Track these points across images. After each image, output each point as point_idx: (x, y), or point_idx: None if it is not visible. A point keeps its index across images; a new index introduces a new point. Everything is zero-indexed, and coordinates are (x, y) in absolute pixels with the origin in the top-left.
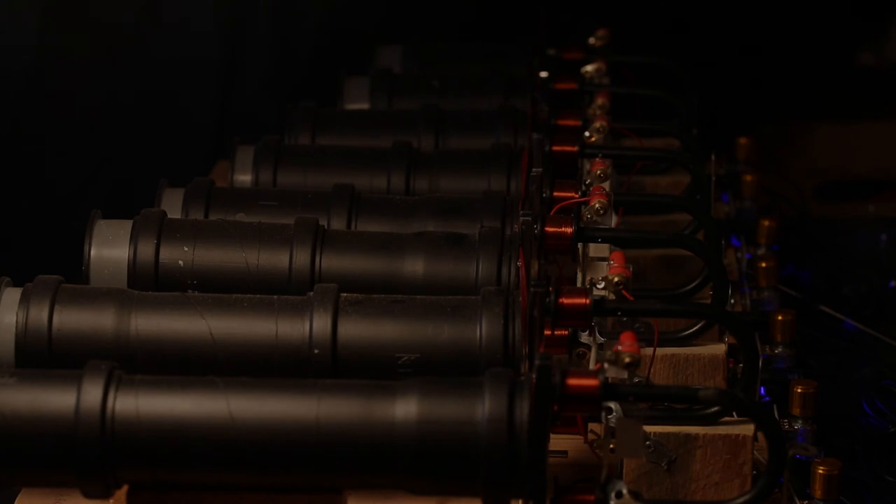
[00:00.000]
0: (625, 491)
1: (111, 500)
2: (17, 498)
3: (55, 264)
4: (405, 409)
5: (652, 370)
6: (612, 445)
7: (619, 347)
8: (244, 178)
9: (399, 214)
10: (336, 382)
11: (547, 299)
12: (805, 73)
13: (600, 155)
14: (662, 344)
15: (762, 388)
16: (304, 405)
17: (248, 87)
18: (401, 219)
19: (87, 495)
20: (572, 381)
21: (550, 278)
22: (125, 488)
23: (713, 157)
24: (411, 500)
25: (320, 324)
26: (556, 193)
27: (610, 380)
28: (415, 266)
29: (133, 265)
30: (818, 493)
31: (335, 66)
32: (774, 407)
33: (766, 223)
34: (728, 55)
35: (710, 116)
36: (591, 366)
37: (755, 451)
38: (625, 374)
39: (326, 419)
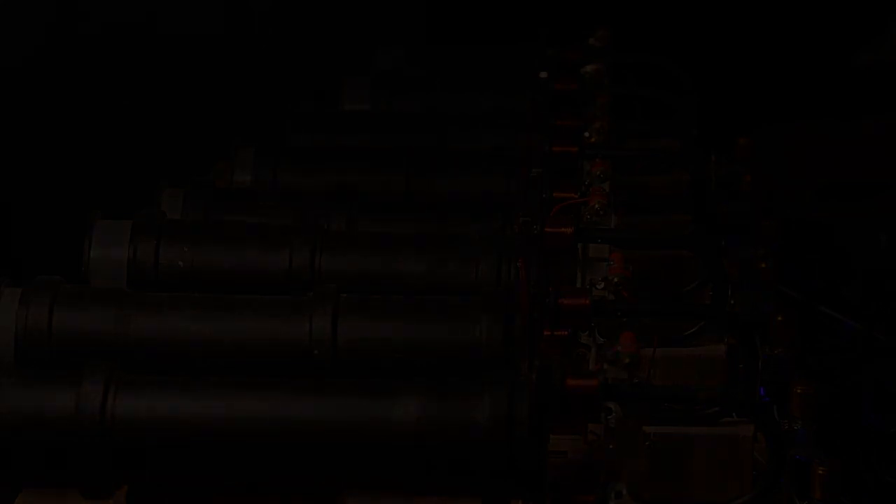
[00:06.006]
0: (625, 491)
1: (111, 500)
2: (17, 498)
3: (55, 264)
4: (405, 409)
5: (652, 370)
6: (612, 445)
7: (619, 348)
8: (244, 178)
9: (399, 215)
10: (336, 382)
11: (547, 300)
12: (805, 73)
13: (600, 155)
14: (662, 344)
15: (762, 389)
16: (304, 405)
17: (248, 86)
18: (400, 219)
19: (87, 495)
20: (572, 382)
21: (550, 279)
22: (125, 488)
23: (713, 158)
24: (411, 500)
25: (320, 324)
26: (556, 194)
27: (610, 380)
28: (415, 266)
29: (133, 265)
30: (818, 494)
31: (335, 66)
32: (774, 407)
33: (766, 223)
34: (728, 55)
35: (710, 116)
36: (591, 366)
37: (755, 451)
38: (624, 375)
39: (326, 419)
